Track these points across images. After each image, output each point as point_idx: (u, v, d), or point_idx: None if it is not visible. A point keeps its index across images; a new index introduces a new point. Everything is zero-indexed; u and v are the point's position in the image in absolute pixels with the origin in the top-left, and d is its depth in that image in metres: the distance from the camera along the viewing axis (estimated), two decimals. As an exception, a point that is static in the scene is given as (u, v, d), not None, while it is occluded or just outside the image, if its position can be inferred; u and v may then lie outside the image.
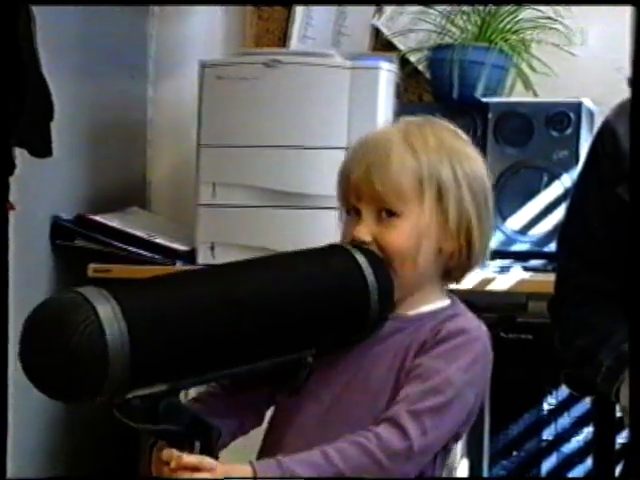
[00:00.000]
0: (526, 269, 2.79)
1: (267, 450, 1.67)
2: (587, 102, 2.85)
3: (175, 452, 1.45)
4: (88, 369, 1.32)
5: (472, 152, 1.69)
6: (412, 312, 1.62)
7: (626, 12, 2.78)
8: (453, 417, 1.56)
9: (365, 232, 1.57)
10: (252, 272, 1.67)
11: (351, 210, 1.63)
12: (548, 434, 2.82)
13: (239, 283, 1.58)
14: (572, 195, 2.21)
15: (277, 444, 1.65)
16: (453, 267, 1.65)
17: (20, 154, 2.45)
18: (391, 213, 1.58)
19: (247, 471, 1.47)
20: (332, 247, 1.63)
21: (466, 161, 1.65)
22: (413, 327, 1.60)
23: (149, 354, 1.39)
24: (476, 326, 1.64)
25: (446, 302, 1.67)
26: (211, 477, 1.44)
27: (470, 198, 1.63)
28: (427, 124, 1.68)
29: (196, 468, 1.44)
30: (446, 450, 1.67)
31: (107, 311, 1.34)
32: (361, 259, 1.56)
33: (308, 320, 1.55)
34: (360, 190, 1.61)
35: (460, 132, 1.72)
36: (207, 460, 1.45)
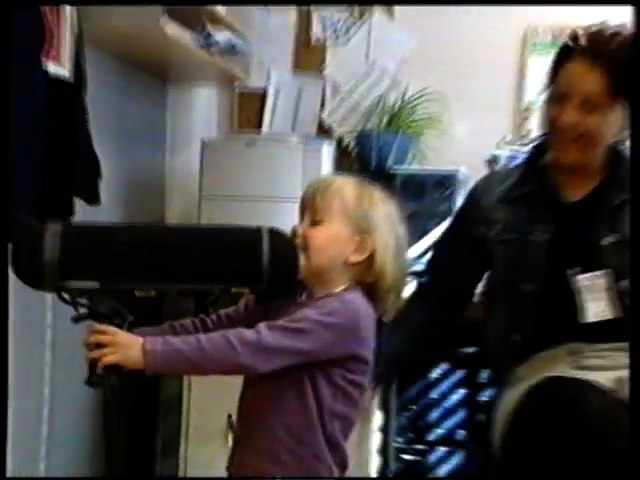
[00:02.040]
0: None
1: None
2: (462, 170, 3.02)
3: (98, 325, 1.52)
4: (31, 261, 1.46)
5: (392, 209, 1.70)
6: (318, 296, 1.66)
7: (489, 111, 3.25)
8: (303, 341, 1.55)
9: (300, 229, 1.65)
10: (179, 227, 1.83)
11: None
12: (435, 394, 2.81)
13: (165, 231, 1.71)
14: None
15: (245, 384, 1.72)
16: (362, 280, 1.65)
17: (78, 202, 2.50)
18: (319, 222, 1.64)
19: (138, 340, 1.51)
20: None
21: (385, 207, 1.68)
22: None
23: (76, 254, 1.47)
24: (353, 299, 1.64)
25: (341, 287, 1.67)
26: (112, 338, 1.49)
27: (385, 236, 1.64)
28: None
29: (103, 332, 1.51)
30: (343, 417, 1.64)
31: (51, 227, 1.49)
32: (265, 231, 1.56)
33: (207, 259, 1.54)
34: (306, 203, 1.68)
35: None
36: (112, 329, 1.51)
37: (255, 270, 1.53)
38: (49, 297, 2.54)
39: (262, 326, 1.55)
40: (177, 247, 1.54)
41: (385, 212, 1.68)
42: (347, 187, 1.67)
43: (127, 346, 1.50)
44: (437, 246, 2.39)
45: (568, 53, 2.02)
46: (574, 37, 2.02)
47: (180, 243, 1.55)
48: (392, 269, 1.64)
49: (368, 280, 1.66)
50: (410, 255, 2.58)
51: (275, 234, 1.57)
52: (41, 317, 2.59)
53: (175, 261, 1.51)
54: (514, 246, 2.10)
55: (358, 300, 1.64)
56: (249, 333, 1.54)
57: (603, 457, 1.76)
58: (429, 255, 2.43)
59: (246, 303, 1.75)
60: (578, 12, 2.13)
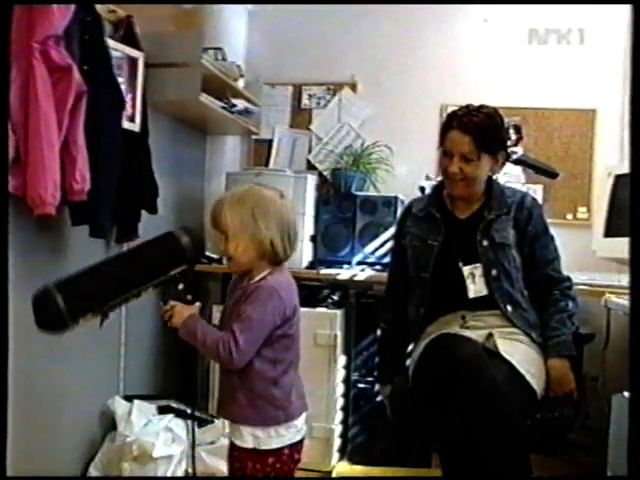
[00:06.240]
0: (373, 270, 2.90)
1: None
2: (400, 195, 3.01)
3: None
4: (49, 314, 1.41)
5: (268, 199, 1.56)
6: (251, 282, 1.59)
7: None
8: (253, 332, 1.51)
9: (220, 245, 1.58)
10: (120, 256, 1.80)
11: None
12: (376, 344, 2.72)
13: (116, 263, 1.59)
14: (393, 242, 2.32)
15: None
16: (268, 257, 1.56)
17: (144, 213, 2.54)
18: (226, 237, 1.55)
19: (185, 315, 1.53)
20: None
21: (260, 204, 1.54)
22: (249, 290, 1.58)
23: (73, 301, 1.41)
24: (269, 284, 1.55)
25: (265, 273, 1.58)
26: (176, 310, 1.53)
27: (264, 225, 1.53)
28: (248, 188, 1.60)
29: (172, 307, 1.55)
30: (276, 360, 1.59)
31: (50, 286, 1.42)
32: (179, 231, 1.52)
33: (145, 263, 1.49)
34: (215, 227, 1.60)
35: (270, 188, 1.62)
36: (177, 304, 1.54)
37: (180, 252, 1.50)
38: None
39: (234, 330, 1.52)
40: (126, 266, 1.51)
41: (262, 206, 1.55)
42: (232, 202, 1.56)
43: (179, 313, 1.55)
44: (391, 253, 2.35)
45: (450, 124, 2.04)
46: (453, 114, 2.06)
47: (127, 264, 1.53)
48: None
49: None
50: (367, 251, 2.88)
51: (183, 228, 1.54)
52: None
53: (129, 276, 1.48)
54: (417, 249, 2.12)
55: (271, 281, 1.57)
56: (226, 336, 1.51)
57: (473, 384, 1.79)
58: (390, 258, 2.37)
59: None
60: (472, 98, 2.15)
